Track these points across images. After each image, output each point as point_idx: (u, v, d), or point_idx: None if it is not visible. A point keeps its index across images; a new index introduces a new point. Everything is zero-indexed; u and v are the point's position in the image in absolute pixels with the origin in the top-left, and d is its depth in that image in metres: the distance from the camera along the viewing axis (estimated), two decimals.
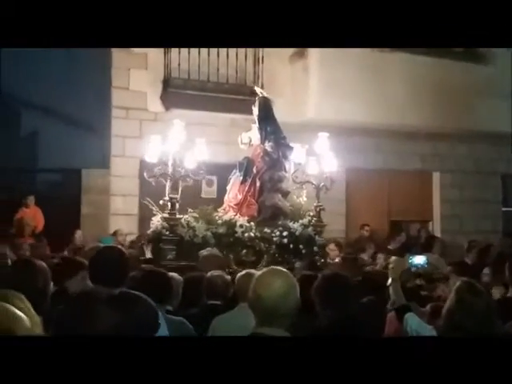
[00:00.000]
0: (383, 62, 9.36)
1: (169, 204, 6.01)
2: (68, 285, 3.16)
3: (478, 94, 9.80)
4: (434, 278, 4.29)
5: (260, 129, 6.71)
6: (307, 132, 9.73)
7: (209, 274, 3.96)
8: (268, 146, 6.60)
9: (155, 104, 8.90)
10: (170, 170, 6.05)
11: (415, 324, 3.05)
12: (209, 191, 9.58)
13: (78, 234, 8.28)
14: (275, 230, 6.15)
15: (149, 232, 6.31)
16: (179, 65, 8.62)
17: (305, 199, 6.67)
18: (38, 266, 2.99)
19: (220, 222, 6.12)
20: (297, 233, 6.19)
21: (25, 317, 1.48)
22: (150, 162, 6.12)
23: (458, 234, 10.41)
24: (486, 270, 5.14)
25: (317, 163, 6.68)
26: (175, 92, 8.72)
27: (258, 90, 7.06)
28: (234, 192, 6.54)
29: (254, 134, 6.75)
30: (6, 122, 11.61)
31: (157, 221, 6.17)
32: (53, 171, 10.24)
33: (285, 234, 6.12)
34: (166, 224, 5.98)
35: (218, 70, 8.79)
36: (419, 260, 3.76)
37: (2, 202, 9.11)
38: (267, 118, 6.76)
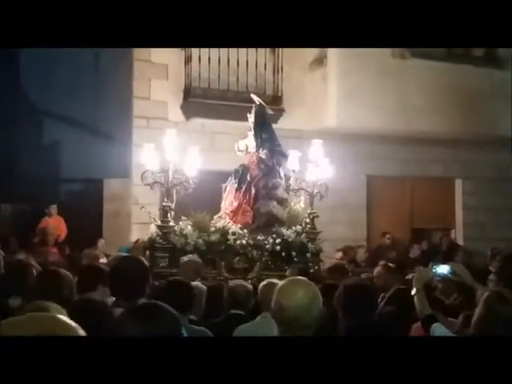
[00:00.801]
0: (402, 69, 9.33)
1: (162, 211, 6.10)
2: (92, 295, 3.18)
3: (499, 99, 9.70)
4: (458, 287, 4.23)
5: (255, 136, 6.73)
6: (327, 140, 9.75)
7: (231, 283, 3.97)
8: (262, 153, 6.62)
9: (176, 113, 8.97)
10: (163, 177, 6.09)
11: (442, 334, 3.01)
12: None
13: (101, 242, 8.36)
14: (268, 238, 6.14)
15: (145, 239, 6.36)
16: (199, 74, 8.68)
17: (302, 206, 6.63)
18: (63, 275, 3.03)
19: (213, 229, 6.14)
20: (289, 240, 6.16)
21: (77, 326, 1.50)
22: (148, 170, 6.14)
23: (481, 241, 10.28)
24: (492, 276, 5.05)
25: (311, 170, 6.62)
26: (195, 101, 8.78)
27: (254, 97, 7.08)
28: (229, 199, 6.58)
29: (250, 142, 6.78)
30: (29, 132, 11.82)
31: (153, 228, 6.24)
32: (75, 181, 10.38)
33: (278, 241, 6.10)
34: (159, 232, 6.05)
35: (237, 79, 8.83)
36: (443, 269, 3.71)
37: (26, 211, 9.26)
38: (262, 125, 6.77)
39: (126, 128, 9.09)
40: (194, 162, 6.30)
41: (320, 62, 9.37)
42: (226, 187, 6.71)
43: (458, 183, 10.95)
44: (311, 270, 5.93)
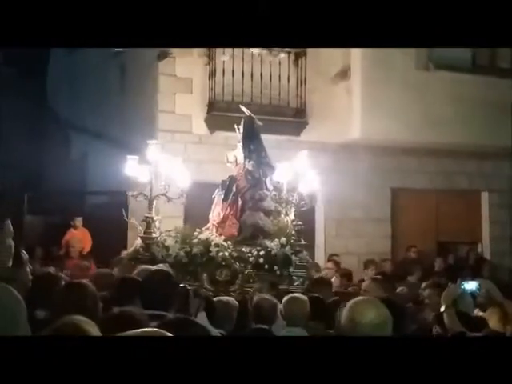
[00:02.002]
0: (426, 81, 9.28)
1: (144, 223, 6.15)
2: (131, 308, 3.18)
3: None
4: (486, 303, 4.16)
5: (243, 147, 6.74)
6: (351, 153, 9.73)
7: (255, 297, 3.97)
8: (249, 164, 6.61)
9: (200, 127, 9.04)
10: (147, 189, 6.18)
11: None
12: None
13: (125, 254, 8.42)
14: (253, 250, 6.08)
15: (129, 251, 6.38)
16: (223, 88, 8.75)
17: (292, 218, 6.57)
18: (89, 288, 3.05)
19: (195, 241, 6.11)
20: (272, 252, 6.08)
21: None
22: (136, 181, 6.24)
23: (508, 255, 10.10)
24: None
25: (298, 181, 6.58)
26: (219, 115, 8.84)
27: (243, 108, 7.11)
28: (217, 211, 6.57)
29: (240, 153, 6.78)
30: (56, 146, 12.03)
31: (139, 240, 6.27)
32: (101, 193, 10.49)
33: (261, 253, 6.03)
34: (142, 243, 6.08)
35: (261, 91, 8.87)
36: (471, 286, 3.66)
37: (53, 223, 9.39)
38: (251, 136, 6.78)
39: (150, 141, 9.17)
40: (179, 173, 6.37)
41: (344, 74, 9.36)
42: (214, 198, 6.72)
43: (484, 196, 10.79)
44: (296, 283, 5.95)
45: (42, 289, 3.01)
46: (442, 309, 3.24)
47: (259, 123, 7.00)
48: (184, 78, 8.97)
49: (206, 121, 9.06)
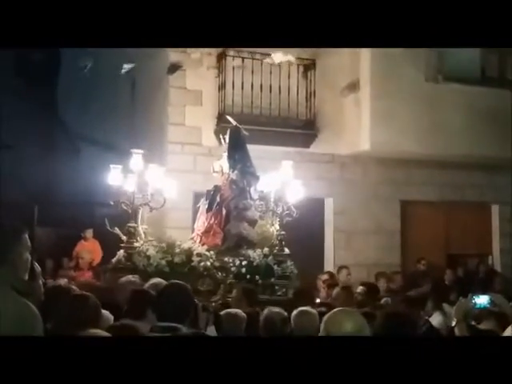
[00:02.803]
0: (436, 93, 9.27)
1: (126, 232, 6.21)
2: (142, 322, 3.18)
3: None
4: (498, 317, 4.12)
5: (228, 157, 6.77)
6: (361, 164, 9.73)
7: (266, 310, 3.96)
8: (234, 174, 6.63)
9: (209, 138, 9.07)
10: (129, 198, 6.26)
11: None
12: (261, 223, 9.62)
13: None
14: (235, 260, 6.05)
15: (113, 261, 6.38)
16: (233, 100, 8.80)
17: (277, 228, 6.55)
18: (90, 300, 3.07)
19: (178, 250, 6.10)
20: (255, 262, 6.05)
21: None
22: (119, 190, 6.33)
23: None
24: None
25: (283, 191, 6.55)
26: (229, 127, 8.86)
27: (229, 118, 7.13)
28: (202, 220, 6.59)
29: (225, 163, 6.81)
30: (66, 158, 12.11)
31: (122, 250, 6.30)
32: (111, 205, 10.52)
33: (244, 263, 6.01)
34: (124, 253, 6.11)
35: (270, 104, 8.91)
36: (482, 300, 3.63)
37: (63, 235, 9.43)
38: (236, 147, 6.81)
39: (161, 153, 9.23)
40: (155, 180, 6.45)
41: (353, 86, 9.38)
42: (199, 208, 6.73)
43: (495, 208, 10.73)
44: (278, 293, 5.92)
45: (54, 301, 3.03)
46: (454, 323, 3.22)
47: (245, 133, 7.05)
48: (194, 90, 9.03)
49: (216, 133, 9.09)
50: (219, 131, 9.03)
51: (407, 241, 9.97)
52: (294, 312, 3.82)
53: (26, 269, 2.41)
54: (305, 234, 9.37)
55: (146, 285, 4.62)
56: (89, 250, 9.13)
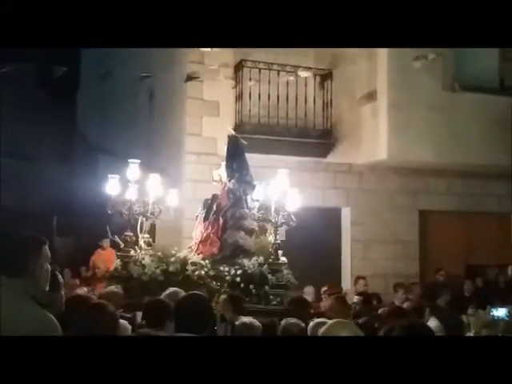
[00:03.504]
0: (453, 102, 9.22)
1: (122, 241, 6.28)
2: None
3: None
4: None
5: (226, 166, 6.79)
6: (378, 174, 9.69)
7: (283, 321, 3.94)
8: (230, 183, 6.63)
9: (225, 149, 9.10)
10: (125, 207, 6.32)
11: None
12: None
13: None
14: (231, 268, 6.03)
15: (111, 269, 6.40)
16: (250, 110, 8.84)
17: (273, 236, 6.51)
18: (108, 309, 3.09)
19: (173, 259, 6.11)
20: (249, 271, 6.02)
21: None
22: (117, 199, 6.38)
23: None
24: None
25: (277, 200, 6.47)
26: (245, 137, 8.90)
27: (229, 129, 7.18)
28: (199, 229, 6.59)
29: (224, 172, 6.83)
30: (85, 169, 12.24)
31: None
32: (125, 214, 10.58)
33: (239, 272, 5.98)
34: (120, 261, 6.16)
35: (287, 114, 8.93)
36: (500, 312, 3.59)
37: (81, 245, 9.51)
38: (234, 156, 6.82)
39: (177, 164, 9.29)
40: (153, 189, 6.57)
41: (370, 96, 9.38)
42: (197, 217, 6.75)
43: None
44: (273, 303, 5.88)
45: (73, 311, 3.06)
46: (472, 334, 3.19)
47: (244, 142, 7.03)
48: (211, 101, 9.09)
49: None
50: None
51: (425, 251, 9.88)
52: (311, 323, 3.80)
53: (46, 280, 2.44)
54: (321, 243, 9.35)
55: (164, 294, 4.64)
56: (104, 259, 9.19)
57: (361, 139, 9.45)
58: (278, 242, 6.34)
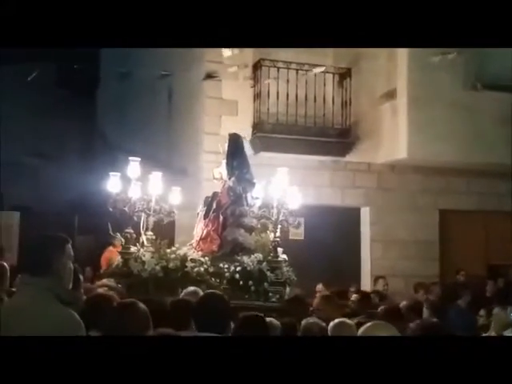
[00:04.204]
0: (474, 101, 9.10)
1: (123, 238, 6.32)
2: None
3: None
4: None
5: (227, 164, 6.79)
6: (398, 173, 9.62)
7: (303, 321, 3.93)
8: (230, 181, 6.64)
9: (245, 148, 9.09)
10: (127, 205, 6.35)
11: None
12: (296, 233, 9.57)
13: None
14: (230, 265, 6.05)
15: (112, 266, 6.44)
16: (268, 109, 8.83)
17: (278, 234, 6.48)
18: (139, 306, 3.09)
19: (173, 256, 6.14)
20: (248, 268, 6.02)
21: None
22: (117, 197, 6.42)
23: None
24: None
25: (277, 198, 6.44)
26: (264, 136, 8.91)
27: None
28: (200, 227, 6.62)
29: (224, 170, 6.84)
30: (105, 168, 12.32)
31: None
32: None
33: (238, 269, 6.00)
34: (121, 258, 6.21)
35: (305, 113, 8.90)
36: None
37: (100, 243, 9.56)
38: (235, 153, 6.81)
39: (196, 163, 9.32)
40: (155, 188, 6.61)
41: (390, 94, 9.30)
42: (198, 214, 6.78)
43: None
44: (272, 300, 5.87)
45: (96, 309, 3.07)
46: (493, 334, 3.14)
47: (245, 139, 7.12)
48: (230, 100, 9.10)
49: (251, 142, 9.13)
50: (254, 141, 9.09)
51: (445, 251, 9.78)
52: (332, 323, 3.78)
53: (69, 278, 2.47)
54: (340, 243, 9.31)
55: (183, 293, 4.65)
56: (115, 256, 9.24)
57: (380, 138, 9.38)
58: (277, 239, 6.35)
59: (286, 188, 6.51)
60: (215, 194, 6.73)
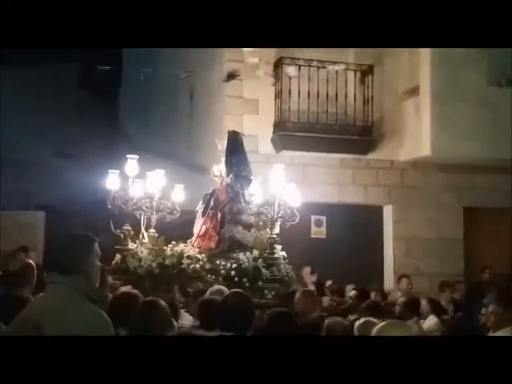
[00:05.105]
0: (499, 97, 8.95)
1: (121, 235, 6.39)
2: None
3: None
4: None
5: (226, 161, 6.81)
6: (422, 170, 9.52)
7: (327, 320, 3.92)
8: (228, 178, 6.67)
9: (266, 146, 9.11)
10: (124, 202, 6.44)
11: None
12: (318, 231, 9.56)
13: None
14: (227, 262, 6.07)
15: (113, 263, 6.49)
16: (289, 108, 8.81)
17: (277, 231, 6.49)
18: (160, 304, 3.12)
19: (170, 253, 6.18)
20: (243, 265, 6.02)
21: None
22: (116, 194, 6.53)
23: None
24: None
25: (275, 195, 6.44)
26: (285, 134, 8.89)
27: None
28: (199, 224, 6.66)
29: (224, 167, 6.87)
30: (123, 165, 12.42)
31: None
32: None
33: (234, 266, 6.02)
34: (120, 255, 6.29)
35: (327, 111, 8.86)
36: None
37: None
38: (234, 151, 6.83)
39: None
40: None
41: (412, 91, 9.21)
42: (197, 211, 6.82)
43: None
44: (268, 297, 5.87)
45: (122, 308, 3.10)
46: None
47: (243, 136, 7.11)
48: (251, 99, 9.10)
49: (273, 141, 9.13)
50: (276, 139, 9.08)
51: (471, 249, 9.64)
52: (357, 323, 3.77)
53: (97, 277, 2.50)
54: (363, 241, 9.26)
55: (208, 292, 4.67)
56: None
57: (403, 135, 9.30)
58: (274, 236, 6.36)
59: (283, 185, 6.55)
60: (213, 192, 6.80)
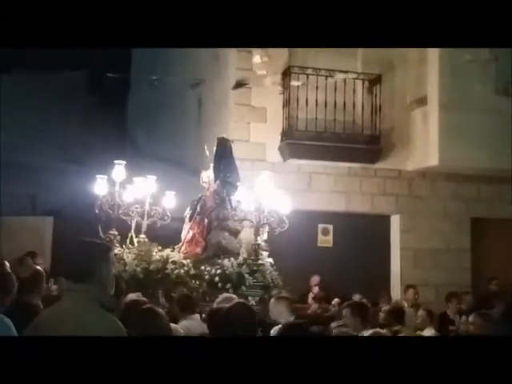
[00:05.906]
0: (507, 106, 8.92)
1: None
2: None
3: None
4: None
5: (214, 168, 6.86)
6: (429, 180, 9.48)
7: (334, 330, 3.91)
8: (216, 184, 6.71)
9: (273, 155, 9.12)
10: (111, 207, 6.50)
11: None
12: (325, 240, 9.53)
13: None
14: (211, 268, 6.08)
15: None
16: (297, 116, 8.82)
17: (265, 238, 6.54)
18: (159, 314, 3.13)
19: (156, 258, 6.21)
20: (227, 271, 6.03)
21: None
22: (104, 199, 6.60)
23: None
24: None
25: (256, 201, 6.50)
26: (293, 143, 8.89)
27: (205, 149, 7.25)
28: (186, 229, 6.70)
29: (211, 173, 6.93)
30: (135, 174, 12.45)
31: None
32: (175, 219, 10.73)
33: (218, 272, 6.02)
34: None
35: (334, 119, 8.86)
36: None
37: None
38: (222, 157, 6.87)
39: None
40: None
41: (420, 101, 9.19)
42: (185, 217, 6.87)
43: None
44: (250, 303, 5.73)
45: (131, 315, 3.11)
46: None
47: (232, 143, 7.14)
48: (259, 107, 9.12)
49: (280, 149, 9.13)
50: (283, 147, 9.09)
51: (478, 260, 9.58)
52: (366, 333, 3.76)
53: (112, 285, 2.48)
54: (370, 251, 9.22)
55: (218, 299, 4.67)
56: None
57: (411, 145, 9.28)
58: (258, 242, 6.39)
59: (272, 192, 6.59)
60: (201, 197, 6.85)
